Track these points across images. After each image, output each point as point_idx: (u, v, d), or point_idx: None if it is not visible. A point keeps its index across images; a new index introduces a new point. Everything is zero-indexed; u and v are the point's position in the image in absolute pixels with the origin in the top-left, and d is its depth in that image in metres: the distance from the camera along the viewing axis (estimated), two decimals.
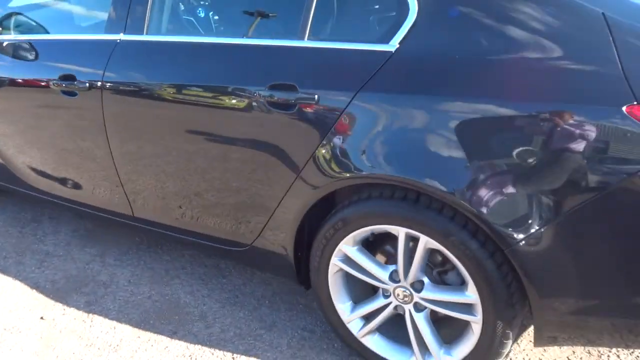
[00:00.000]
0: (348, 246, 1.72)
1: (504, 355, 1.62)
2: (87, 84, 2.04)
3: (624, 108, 1.25)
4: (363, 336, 1.84)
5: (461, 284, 1.64)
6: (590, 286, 1.40)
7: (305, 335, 2.04)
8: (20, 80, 2.30)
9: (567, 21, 1.37)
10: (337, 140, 1.59)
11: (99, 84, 2.01)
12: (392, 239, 1.69)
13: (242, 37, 1.81)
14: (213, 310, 2.18)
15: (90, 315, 2.17)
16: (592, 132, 1.28)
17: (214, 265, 2.47)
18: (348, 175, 1.57)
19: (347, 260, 1.75)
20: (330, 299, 1.84)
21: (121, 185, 2.19)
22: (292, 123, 1.66)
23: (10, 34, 2.34)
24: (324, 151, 1.62)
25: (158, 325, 2.11)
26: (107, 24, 2.06)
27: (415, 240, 1.59)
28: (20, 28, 2.35)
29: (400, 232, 1.60)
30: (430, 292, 1.66)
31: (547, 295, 1.44)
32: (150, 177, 2.09)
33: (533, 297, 1.46)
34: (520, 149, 1.37)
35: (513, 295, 1.51)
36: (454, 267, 1.62)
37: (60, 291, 2.33)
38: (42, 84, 2.19)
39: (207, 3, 2.05)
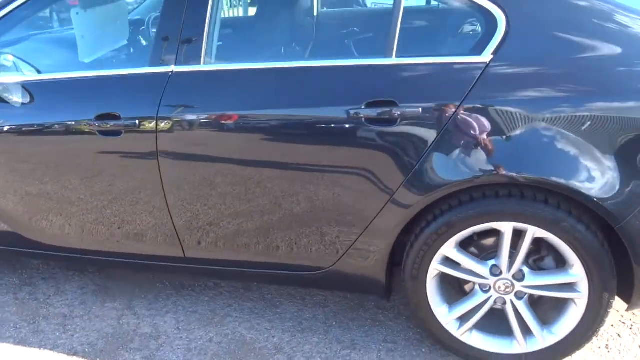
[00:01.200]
0: (450, 249, 1.80)
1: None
2: (137, 122, 1.91)
3: None
4: (462, 334, 1.92)
5: (556, 267, 1.81)
6: None
7: (390, 346, 2.07)
8: (36, 127, 2.06)
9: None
10: (448, 148, 1.68)
11: (153, 120, 1.89)
12: (483, 236, 1.82)
13: (329, 59, 1.82)
14: (285, 340, 2.13)
15: None
16: None
17: (260, 297, 2.39)
18: (466, 179, 1.66)
19: (447, 262, 1.84)
20: (428, 303, 1.91)
21: (172, 225, 2.06)
22: (393, 137, 1.72)
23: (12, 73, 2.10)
24: (433, 160, 1.70)
25: None
26: (152, 57, 1.94)
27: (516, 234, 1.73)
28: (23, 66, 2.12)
29: (507, 227, 1.72)
30: (533, 279, 1.80)
31: None
32: (211, 213, 2.00)
33: (638, 265, 1.66)
34: (623, 137, 1.58)
35: (614, 268, 1.70)
36: (548, 254, 1.79)
37: (106, 352, 2.10)
38: (69, 127, 2.00)
39: (273, 28, 2.02)
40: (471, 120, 1.65)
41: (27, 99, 2.06)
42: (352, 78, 1.76)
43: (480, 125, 1.65)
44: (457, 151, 1.68)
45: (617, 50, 1.61)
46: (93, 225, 2.15)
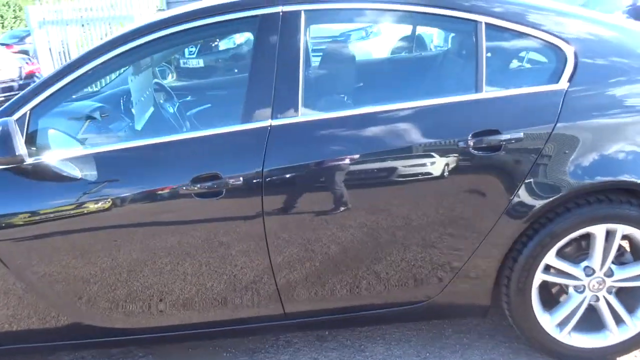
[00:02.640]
0: (551, 257, 1.99)
1: None
2: (241, 179, 1.88)
3: None
4: (564, 337, 2.09)
5: (634, 260, 2.07)
6: None
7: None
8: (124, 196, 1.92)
9: None
10: (547, 166, 1.89)
11: (258, 176, 1.88)
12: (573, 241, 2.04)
13: (428, 98, 1.96)
14: None
15: None
16: None
17: (340, 345, 2.36)
18: (576, 186, 1.87)
19: (548, 270, 2.02)
20: (534, 313, 2.06)
21: (275, 283, 2.01)
22: (499, 161, 1.89)
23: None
24: (534, 179, 1.89)
25: None
26: (243, 113, 1.94)
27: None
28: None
29: (601, 229, 1.96)
30: (620, 273, 2.04)
31: None
32: (315, 265, 1.99)
33: None
34: None
35: None
36: (628, 249, 2.06)
37: None
38: (163, 192, 1.90)
39: (363, 73, 2.10)
40: (563, 140, 1.89)
41: (95, 173, 1.92)
42: (456, 112, 1.92)
43: (571, 143, 1.89)
44: (561, 165, 1.89)
45: None
46: (189, 296, 2.02)
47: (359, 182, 1.92)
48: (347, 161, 1.90)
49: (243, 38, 3.00)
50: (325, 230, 1.95)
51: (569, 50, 1.96)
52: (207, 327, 2.11)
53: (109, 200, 1.91)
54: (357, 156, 1.91)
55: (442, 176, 1.92)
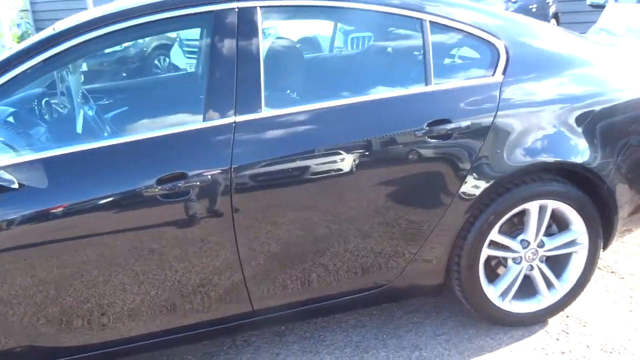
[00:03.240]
0: (495, 233, 2.20)
1: None
2: (210, 177, 1.85)
3: None
4: (506, 305, 2.31)
5: (559, 231, 2.35)
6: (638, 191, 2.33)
7: (444, 337, 2.34)
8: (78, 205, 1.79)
9: None
10: (490, 151, 2.08)
11: (227, 173, 1.86)
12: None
13: (394, 90, 2.06)
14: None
15: None
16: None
17: (300, 337, 2.40)
18: (515, 167, 2.08)
19: (492, 245, 2.23)
20: (480, 286, 2.25)
21: (243, 280, 2.00)
22: (450, 149, 2.05)
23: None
24: (480, 163, 2.08)
25: None
26: (205, 110, 1.90)
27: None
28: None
29: (535, 205, 2.20)
30: (551, 243, 2.31)
31: (622, 208, 2.31)
32: (284, 257, 2.01)
33: (620, 213, 2.29)
34: (599, 122, 2.21)
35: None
36: (553, 221, 2.33)
37: None
38: (126, 196, 1.80)
39: (323, 68, 2.12)
40: (505, 125, 2.10)
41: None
42: (414, 105, 2.05)
43: (512, 127, 2.11)
44: (502, 149, 2.09)
45: (575, 61, 2.25)
46: (157, 304, 1.92)
47: (324, 173, 1.97)
48: (312, 154, 1.95)
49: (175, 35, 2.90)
50: (294, 224, 1.97)
51: (501, 45, 2.18)
52: (172, 334, 2.03)
53: (61, 208, 1.77)
54: (322, 149, 1.96)
55: (401, 165, 2.03)
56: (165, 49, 8.37)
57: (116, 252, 1.83)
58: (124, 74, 2.66)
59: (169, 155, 1.85)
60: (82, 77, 2.30)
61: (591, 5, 6.13)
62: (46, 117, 2.40)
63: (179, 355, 2.34)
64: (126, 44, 2.59)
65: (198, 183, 1.84)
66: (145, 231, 1.85)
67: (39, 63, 1.83)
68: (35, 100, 2.41)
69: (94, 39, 1.87)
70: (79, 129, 2.15)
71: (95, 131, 2.29)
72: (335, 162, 1.97)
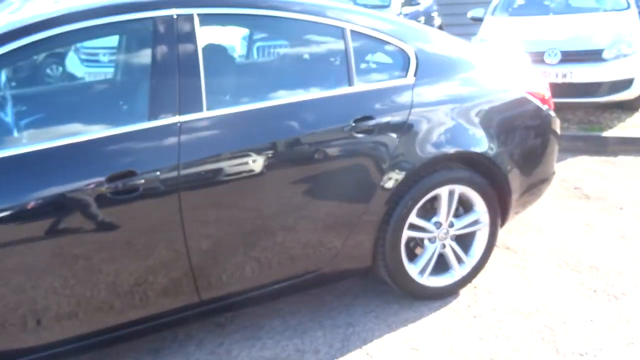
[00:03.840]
0: (413, 217, 2.49)
1: None
2: (158, 173, 1.95)
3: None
4: (424, 281, 2.62)
5: (465, 212, 2.70)
6: (527, 175, 2.75)
7: (373, 314, 2.59)
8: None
9: None
10: (410, 142, 2.37)
11: (174, 170, 1.97)
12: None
13: (323, 90, 2.27)
14: (298, 345, 2.40)
15: None
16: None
17: (239, 327, 2.52)
18: (428, 157, 2.38)
19: (411, 227, 2.52)
20: (402, 265, 2.53)
21: (191, 272, 2.10)
22: (374, 141, 2.31)
23: None
24: (398, 154, 2.36)
25: None
26: (150, 111, 2.00)
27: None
28: None
29: (445, 190, 2.53)
30: (458, 223, 2.65)
31: (515, 191, 2.71)
32: (228, 249, 2.15)
33: (513, 195, 2.69)
34: (495, 118, 2.59)
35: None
36: (459, 204, 2.67)
37: None
38: (77, 194, 1.85)
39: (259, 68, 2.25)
40: (418, 122, 2.40)
41: None
42: (342, 104, 2.28)
43: (424, 123, 2.41)
44: (416, 142, 2.39)
45: (469, 65, 2.62)
46: (108, 299, 1.97)
47: (263, 168, 2.13)
48: (252, 150, 2.11)
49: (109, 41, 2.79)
50: (237, 216, 2.12)
51: (411, 51, 2.49)
52: (121, 330, 2.09)
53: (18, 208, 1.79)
54: (259, 146, 2.13)
55: (332, 159, 2.26)
56: (57, 57, 8.03)
57: (65, 250, 1.87)
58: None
59: (118, 154, 1.92)
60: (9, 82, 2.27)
61: (471, 19, 6.81)
62: None
63: (123, 353, 2.37)
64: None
65: (147, 179, 1.93)
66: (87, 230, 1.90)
67: None
68: None
69: (30, 44, 1.89)
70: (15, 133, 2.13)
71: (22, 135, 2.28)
72: (270, 158, 2.15)
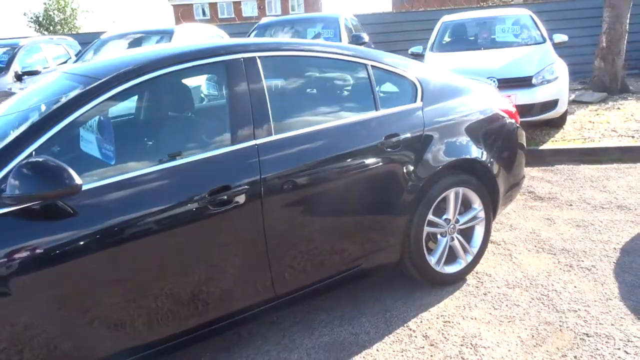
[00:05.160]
0: (431, 215, 3.03)
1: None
2: (247, 186, 2.36)
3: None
4: (440, 269, 3.14)
5: (465, 210, 3.27)
6: (508, 176, 3.38)
7: (401, 302, 3.07)
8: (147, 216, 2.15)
9: None
10: (426, 153, 2.92)
11: (258, 183, 2.38)
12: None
13: (359, 114, 2.78)
14: (350, 330, 2.83)
15: None
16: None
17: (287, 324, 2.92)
18: (440, 164, 2.94)
19: (429, 224, 3.05)
20: (424, 256, 3.05)
21: (269, 268, 2.50)
22: (400, 154, 2.84)
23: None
24: (420, 162, 2.90)
25: None
26: (232, 137, 2.41)
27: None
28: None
29: (453, 192, 3.09)
30: (462, 219, 3.21)
31: (501, 190, 3.32)
32: (301, 247, 2.57)
33: (500, 192, 3.30)
34: (482, 131, 3.21)
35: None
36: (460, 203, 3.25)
37: None
38: (181, 208, 2.23)
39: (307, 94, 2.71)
40: (430, 135, 2.96)
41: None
42: (372, 126, 2.79)
43: (435, 137, 2.98)
44: (431, 152, 2.94)
45: (471, 89, 3.24)
46: (204, 297, 2.32)
47: (323, 179, 2.60)
48: (313, 165, 2.57)
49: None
50: (304, 220, 2.55)
51: (417, 81, 3.07)
52: (202, 329, 2.42)
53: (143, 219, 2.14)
54: (317, 161, 2.59)
55: (371, 171, 2.75)
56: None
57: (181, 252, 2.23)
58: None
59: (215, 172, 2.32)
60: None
61: (411, 54, 7.64)
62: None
63: (197, 352, 2.68)
64: None
65: (237, 192, 2.33)
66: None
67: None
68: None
69: (139, 83, 2.28)
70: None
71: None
72: (325, 171, 2.62)
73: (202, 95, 3.02)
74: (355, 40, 7.82)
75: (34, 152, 2.03)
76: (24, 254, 1.95)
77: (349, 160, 2.69)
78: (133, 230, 2.15)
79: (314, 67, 2.97)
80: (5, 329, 1.94)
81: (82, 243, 2.04)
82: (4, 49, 9.07)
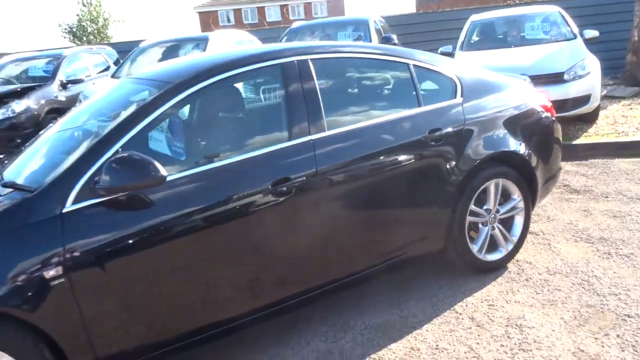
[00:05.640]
0: (472, 205, 3.19)
1: None
2: (304, 177, 2.56)
3: None
4: (482, 257, 3.30)
5: (505, 200, 3.41)
6: (545, 168, 3.52)
7: (446, 288, 3.23)
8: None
9: None
10: (467, 146, 3.09)
11: (314, 175, 2.59)
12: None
13: (405, 110, 2.97)
14: (399, 314, 3.00)
15: None
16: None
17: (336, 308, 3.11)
18: (480, 157, 3.09)
19: (471, 214, 3.21)
20: (467, 244, 3.21)
21: (325, 255, 2.69)
22: (443, 147, 3.01)
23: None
24: (462, 155, 3.07)
25: None
26: (289, 133, 2.62)
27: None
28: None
29: (493, 183, 3.24)
30: (502, 210, 3.36)
31: (539, 181, 3.46)
32: (352, 231, 2.77)
33: (538, 184, 3.44)
34: (520, 126, 3.36)
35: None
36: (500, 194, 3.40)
37: None
38: (250, 197, 2.45)
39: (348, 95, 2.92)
40: (469, 129, 3.12)
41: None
42: (420, 120, 2.97)
43: (474, 130, 3.14)
44: (471, 146, 3.10)
45: (508, 85, 3.39)
46: (271, 278, 2.54)
47: (372, 171, 2.79)
48: (363, 157, 2.76)
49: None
50: (357, 208, 2.75)
51: (456, 78, 3.24)
52: (275, 306, 2.64)
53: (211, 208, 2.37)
54: (368, 154, 2.78)
55: (417, 163, 2.93)
56: (57, 112, 8.41)
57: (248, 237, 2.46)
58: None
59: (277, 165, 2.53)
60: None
61: (441, 53, 7.77)
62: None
63: (264, 339, 2.89)
64: None
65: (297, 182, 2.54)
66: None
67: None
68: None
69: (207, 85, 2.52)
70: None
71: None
72: (375, 163, 2.81)
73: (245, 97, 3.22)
74: (386, 41, 8.00)
75: (120, 149, 2.27)
76: (114, 238, 2.19)
77: (396, 153, 2.88)
78: (205, 218, 2.37)
79: (361, 68, 3.16)
80: (104, 301, 2.19)
81: (162, 228, 2.27)
82: (48, 59, 9.52)
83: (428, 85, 3.23)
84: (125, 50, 10.82)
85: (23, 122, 7.94)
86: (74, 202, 2.17)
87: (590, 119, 6.75)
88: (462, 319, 2.90)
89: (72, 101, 8.53)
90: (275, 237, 2.55)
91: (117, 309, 2.24)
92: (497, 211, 3.34)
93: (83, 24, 23.85)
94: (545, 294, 3.07)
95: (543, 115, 3.57)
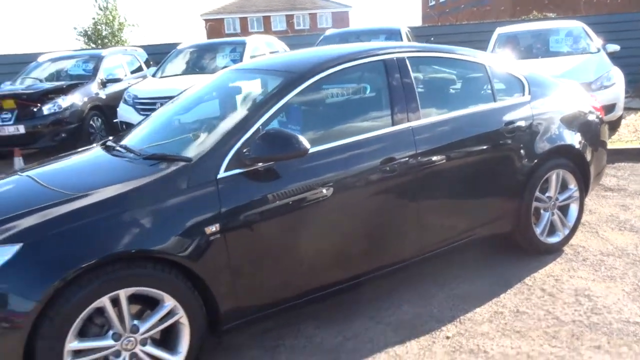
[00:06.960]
0: (537, 192, 3.57)
1: None
2: (407, 158, 2.94)
3: None
4: (544, 240, 3.67)
5: (561, 190, 3.79)
6: (596, 162, 3.90)
7: (498, 278, 3.60)
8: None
9: None
10: (535, 139, 3.47)
11: (414, 157, 2.96)
12: None
13: (483, 104, 3.36)
14: (429, 306, 3.36)
15: None
16: None
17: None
18: (546, 149, 3.48)
19: (536, 200, 3.58)
20: (532, 227, 3.58)
21: (419, 228, 3.06)
22: (515, 140, 3.40)
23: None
24: (530, 147, 3.45)
25: None
26: (392, 120, 3.00)
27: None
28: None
29: (554, 173, 3.62)
30: (561, 197, 3.74)
31: (592, 174, 3.84)
32: (439, 211, 3.14)
33: (591, 175, 3.82)
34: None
35: None
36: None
37: None
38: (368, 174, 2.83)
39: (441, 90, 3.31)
40: (535, 123, 3.51)
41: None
42: (493, 113, 3.36)
43: (539, 124, 3.53)
44: (538, 139, 3.49)
45: (564, 86, 3.79)
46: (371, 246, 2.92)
47: (458, 156, 3.17)
48: (450, 145, 3.14)
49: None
50: (449, 188, 3.13)
51: (523, 78, 3.63)
52: (373, 272, 3.00)
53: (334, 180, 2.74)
54: (454, 142, 3.16)
55: (493, 152, 3.31)
56: (98, 109, 8.79)
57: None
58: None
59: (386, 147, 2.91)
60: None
61: None
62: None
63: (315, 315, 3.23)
64: None
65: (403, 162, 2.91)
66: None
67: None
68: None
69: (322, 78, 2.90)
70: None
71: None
72: (459, 151, 3.18)
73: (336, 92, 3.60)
74: None
75: (260, 127, 2.63)
76: (254, 201, 2.55)
77: (477, 142, 3.26)
78: (329, 186, 2.73)
79: (447, 66, 3.56)
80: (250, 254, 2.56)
81: (294, 195, 2.63)
82: (85, 58, 9.89)
83: (500, 84, 3.62)
84: (150, 53, 11.29)
85: (67, 117, 8.26)
86: (225, 170, 2.53)
87: (613, 126, 7.17)
88: (534, 290, 3.26)
89: (112, 99, 8.90)
90: (382, 208, 2.92)
91: (257, 265, 2.59)
92: (557, 199, 3.71)
93: (98, 27, 24.36)
94: (603, 272, 3.44)
95: (595, 115, 3.97)
